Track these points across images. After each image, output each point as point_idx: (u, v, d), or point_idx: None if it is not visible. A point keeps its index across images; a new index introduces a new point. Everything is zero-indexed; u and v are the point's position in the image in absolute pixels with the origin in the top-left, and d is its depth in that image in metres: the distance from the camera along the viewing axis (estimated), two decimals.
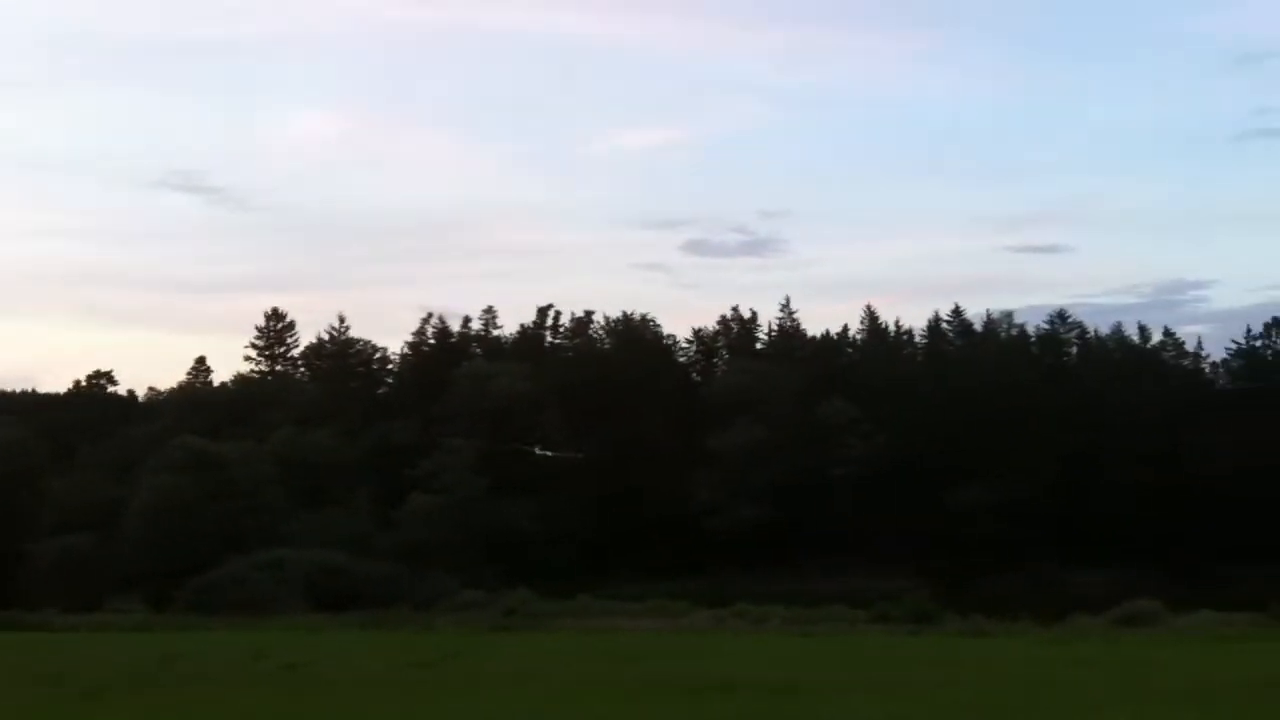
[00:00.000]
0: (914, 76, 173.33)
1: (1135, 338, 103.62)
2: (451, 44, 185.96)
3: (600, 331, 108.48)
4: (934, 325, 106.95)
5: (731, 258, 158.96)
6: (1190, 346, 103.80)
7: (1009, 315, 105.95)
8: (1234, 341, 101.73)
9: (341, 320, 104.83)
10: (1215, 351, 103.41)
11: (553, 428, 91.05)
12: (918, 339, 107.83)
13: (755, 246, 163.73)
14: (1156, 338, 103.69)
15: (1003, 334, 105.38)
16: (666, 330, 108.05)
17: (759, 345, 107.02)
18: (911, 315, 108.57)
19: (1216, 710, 20.32)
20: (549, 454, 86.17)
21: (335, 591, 62.26)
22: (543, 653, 33.43)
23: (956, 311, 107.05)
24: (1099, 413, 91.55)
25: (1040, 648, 36.41)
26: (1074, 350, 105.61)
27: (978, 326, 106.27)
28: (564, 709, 21.11)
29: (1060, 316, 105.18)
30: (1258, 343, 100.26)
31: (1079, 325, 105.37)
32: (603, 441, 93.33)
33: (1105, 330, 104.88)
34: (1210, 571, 77.69)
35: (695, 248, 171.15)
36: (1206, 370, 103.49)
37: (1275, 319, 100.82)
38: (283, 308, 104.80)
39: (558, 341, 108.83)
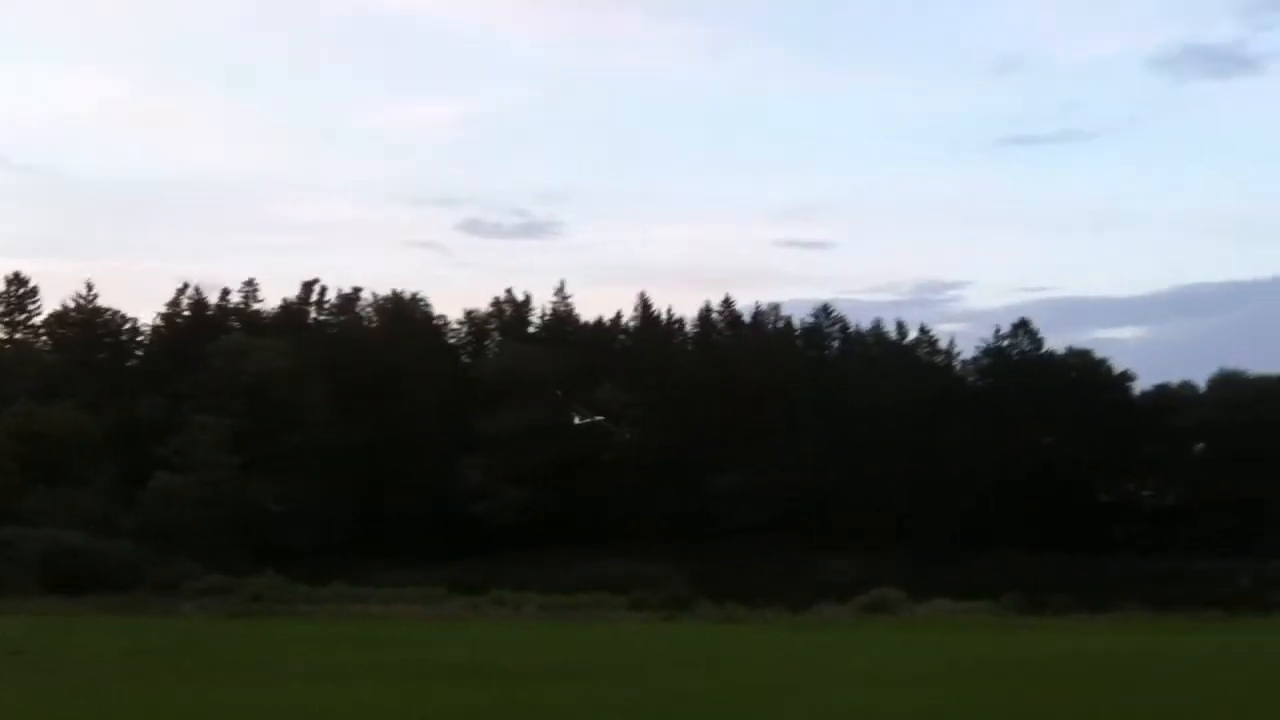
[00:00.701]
0: (693, 66, 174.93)
1: (893, 334, 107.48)
2: (221, 7, 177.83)
3: (368, 309, 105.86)
4: (704, 315, 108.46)
5: (508, 239, 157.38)
6: (944, 344, 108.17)
7: (776, 308, 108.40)
8: (983, 340, 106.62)
9: (90, 288, 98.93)
10: (967, 350, 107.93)
11: (315, 406, 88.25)
12: (688, 328, 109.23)
13: (532, 229, 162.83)
14: (914, 334, 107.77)
15: (769, 326, 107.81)
16: (439, 310, 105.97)
17: (531, 329, 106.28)
18: (684, 304, 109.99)
19: (944, 691, 20.94)
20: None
21: (73, 573, 59.19)
22: (279, 639, 32.25)
23: (726, 302, 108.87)
24: (855, 406, 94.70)
25: (787, 634, 37.29)
26: (836, 344, 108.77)
27: (746, 318, 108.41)
28: (284, 696, 20.20)
29: (824, 311, 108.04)
30: (1005, 343, 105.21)
31: (841, 320, 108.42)
32: (367, 422, 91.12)
33: (866, 326, 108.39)
34: (952, 560, 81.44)
35: (471, 227, 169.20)
36: (957, 368, 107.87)
37: (1022, 320, 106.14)
38: (26, 273, 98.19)
39: (323, 318, 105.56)
